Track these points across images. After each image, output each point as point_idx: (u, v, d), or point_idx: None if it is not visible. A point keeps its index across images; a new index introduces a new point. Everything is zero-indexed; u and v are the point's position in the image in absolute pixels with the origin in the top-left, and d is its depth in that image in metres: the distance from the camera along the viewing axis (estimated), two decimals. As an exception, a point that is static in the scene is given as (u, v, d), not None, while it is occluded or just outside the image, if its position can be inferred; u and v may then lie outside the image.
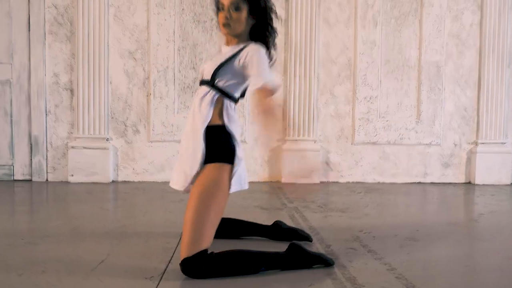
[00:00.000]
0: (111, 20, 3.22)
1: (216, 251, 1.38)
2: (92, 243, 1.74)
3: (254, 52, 1.43)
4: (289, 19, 3.27)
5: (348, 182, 3.38)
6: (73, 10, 3.18)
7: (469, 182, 3.42)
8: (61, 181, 3.23)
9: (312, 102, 3.32)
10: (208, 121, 1.43)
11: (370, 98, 3.37)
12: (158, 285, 1.29)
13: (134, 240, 1.78)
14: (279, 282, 1.34)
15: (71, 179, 3.19)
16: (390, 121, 3.39)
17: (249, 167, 3.35)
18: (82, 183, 3.16)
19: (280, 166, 3.32)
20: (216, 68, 1.46)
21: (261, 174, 3.35)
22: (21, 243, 1.71)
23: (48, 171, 3.26)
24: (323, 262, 1.45)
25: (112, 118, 3.27)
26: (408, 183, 3.39)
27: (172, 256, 1.56)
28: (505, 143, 3.40)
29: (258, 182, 3.24)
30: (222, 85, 1.46)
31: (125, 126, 3.28)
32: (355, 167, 3.39)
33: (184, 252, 1.32)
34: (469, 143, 3.43)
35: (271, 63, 1.54)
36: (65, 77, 3.23)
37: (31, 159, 3.23)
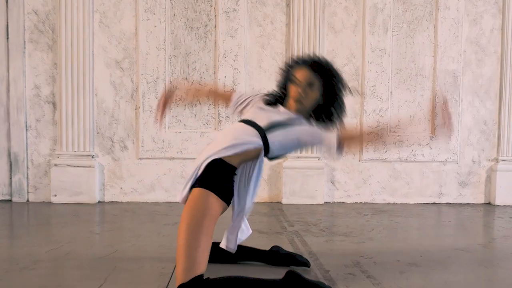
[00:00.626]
0: (96, 27, 3.38)
1: (212, 276, 1.54)
2: (87, 269, 1.93)
3: (313, 129, 1.73)
4: (290, 24, 3.42)
5: (355, 203, 3.53)
6: (55, 17, 3.34)
7: (489, 203, 3.56)
8: (43, 202, 3.40)
9: (316, 115, 3.49)
10: (231, 153, 1.60)
11: (379, 111, 3.51)
12: None
13: (129, 265, 1.97)
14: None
15: (54, 200, 3.36)
16: (402, 136, 3.53)
17: None
18: (66, 203, 3.32)
19: (280, 186, 3.48)
20: (276, 123, 1.69)
21: (260, 194, 3.49)
22: (17, 268, 1.90)
23: (29, 190, 3.43)
24: None
25: (98, 133, 3.44)
26: (422, 203, 3.52)
27: (169, 281, 1.74)
28: (529, 160, 3.57)
29: (257, 203, 3.38)
30: (270, 139, 1.67)
31: (112, 142, 3.45)
32: (363, 186, 3.54)
33: (180, 278, 1.46)
34: (489, 160, 3.57)
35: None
36: (46, 89, 3.40)
37: (10, 178, 3.41)
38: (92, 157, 3.41)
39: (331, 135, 1.72)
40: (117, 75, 3.43)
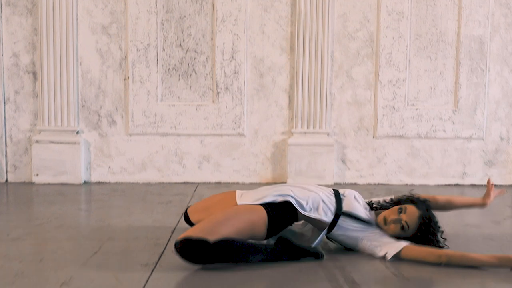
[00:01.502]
0: None
1: None
2: (81, 239, 2.27)
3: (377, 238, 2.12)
4: (297, -16, 3.75)
5: (368, 184, 3.83)
6: (35, -24, 3.70)
7: None
8: (24, 182, 3.73)
9: (325, 86, 3.74)
10: (305, 213, 2.09)
11: (396, 82, 3.79)
12: (152, 273, 1.80)
13: (124, 236, 2.32)
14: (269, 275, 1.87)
15: (35, 179, 3.68)
16: (421, 110, 3.82)
17: (248, 165, 3.83)
18: (49, 184, 3.64)
19: (285, 165, 3.79)
20: (355, 215, 2.11)
21: (263, 174, 3.82)
22: (9, 239, 2.24)
23: (8, 170, 3.76)
24: (312, 255, 2.03)
25: (83, 106, 3.74)
26: (443, 185, 3.82)
27: (165, 249, 2.09)
28: None
29: (260, 184, 3.70)
30: (340, 223, 2.10)
31: (99, 116, 3.76)
32: (378, 165, 3.85)
33: (190, 233, 1.83)
34: None
35: None
36: (26, 57, 3.69)
37: None
38: (77, 132, 3.72)
39: (396, 244, 2.06)
40: (103, 42, 3.73)
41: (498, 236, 2.47)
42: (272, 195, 2.11)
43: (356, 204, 2.19)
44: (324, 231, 2.13)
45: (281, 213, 2.09)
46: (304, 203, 2.10)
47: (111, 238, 2.31)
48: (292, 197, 2.09)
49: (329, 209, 2.13)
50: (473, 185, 3.88)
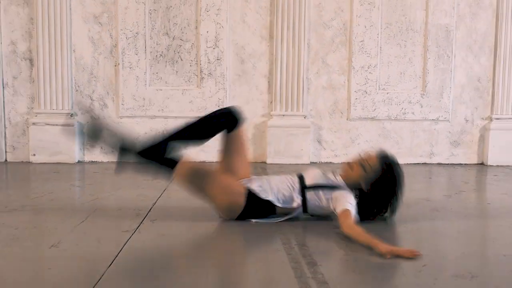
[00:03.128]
0: None
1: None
2: (70, 211, 2.51)
3: (344, 194, 2.23)
4: (275, -24, 3.98)
5: (343, 163, 4.14)
6: (30, -31, 3.92)
7: (482, 163, 4.12)
8: (22, 162, 3.98)
9: (302, 72, 3.97)
10: (272, 199, 2.28)
11: (368, 67, 4.03)
12: (131, 237, 2.04)
13: (108, 208, 2.58)
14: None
15: (33, 159, 3.93)
16: (392, 94, 4.08)
17: None
18: (45, 163, 3.89)
19: (265, 145, 4.02)
20: (317, 185, 2.27)
21: (245, 154, 4.14)
22: (7, 210, 2.49)
23: (7, 150, 4.01)
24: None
25: (77, 91, 3.99)
26: (412, 164, 4.08)
27: (144, 218, 2.32)
28: (524, 119, 4.14)
29: (241, 163, 4.00)
30: (308, 197, 2.28)
31: (91, 100, 4.01)
32: (351, 145, 4.10)
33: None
34: (482, 118, 4.12)
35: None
36: (23, 45, 3.93)
37: None
38: (71, 115, 3.98)
39: (351, 210, 2.15)
40: (95, 30, 3.97)
41: (445, 208, 2.70)
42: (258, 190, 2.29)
43: (317, 174, 2.36)
44: (299, 210, 2.31)
45: (259, 206, 2.30)
46: (279, 197, 2.29)
47: (98, 210, 2.53)
48: (273, 197, 2.28)
49: (297, 193, 2.30)
50: (439, 164, 4.14)
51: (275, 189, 2.31)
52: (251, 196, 2.28)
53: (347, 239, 2.04)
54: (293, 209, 2.31)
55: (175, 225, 2.29)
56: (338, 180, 2.34)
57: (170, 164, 2.30)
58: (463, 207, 2.78)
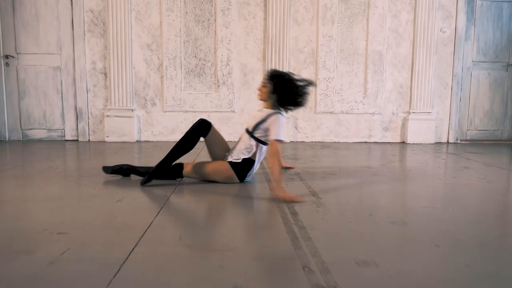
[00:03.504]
0: (133, 21, 5.77)
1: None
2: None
3: (274, 120, 2.71)
4: (267, 18, 5.85)
5: (311, 142, 6.02)
6: (105, 14, 5.76)
7: (403, 142, 6.07)
8: (99, 141, 5.82)
9: (284, 81, 5.98)
10: (245, 156, 2.85)
11: (328, 79, 5.87)
12: (173, 192, 3.39)
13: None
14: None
15: (106, 139, 5.79)
16: (344, 96, 5.97)
17: (237, 130, 5.94)
18: (115, 142, 5.73)
19: (260, 130, 6.04)
20: (255, 125, 2.81)
21: (247, 136, 6.09)
22: (87, 175, 3.40)
23: (90, 133, 5.87)
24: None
25: (136, 94, 5.83)
26: (357, 142, 5.98)
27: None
28: (430, 113, 6.05)
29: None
30: (258, 136, 2.82)
31: (145, 100, 5.84)
32: (317, 130, 5.97)
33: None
34: (403, 112, 6.00)
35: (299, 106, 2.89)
36: (100, 64, 5.78)
37: (77, 125, 5.88)
38: (132, 110, 5.87)
39: (279, 135, 2.61)
40: (148, 54, 5.85)
41: (380, 173, 3.56)
42: (234, 157, 2.82)
43: (251, 119, 2.85)
44: (261, 147, 2.81)
45: (243, 166, 2.83)
46: (245, 152, 2.83)
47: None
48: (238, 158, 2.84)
49: (250, 141, 2.79)
50: (375, 142, 6.09)
51: (240, 150, 2.83)
52: (234, 165, 2.83)
53: (320, 197, 2.61)
54: (256, 151, 2.79)
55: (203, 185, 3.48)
56: (265, 111, 2.84)
57: (177, 171, 2.89)
58: (393, 172, 3.58)
